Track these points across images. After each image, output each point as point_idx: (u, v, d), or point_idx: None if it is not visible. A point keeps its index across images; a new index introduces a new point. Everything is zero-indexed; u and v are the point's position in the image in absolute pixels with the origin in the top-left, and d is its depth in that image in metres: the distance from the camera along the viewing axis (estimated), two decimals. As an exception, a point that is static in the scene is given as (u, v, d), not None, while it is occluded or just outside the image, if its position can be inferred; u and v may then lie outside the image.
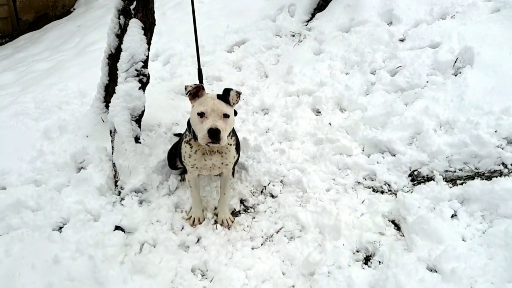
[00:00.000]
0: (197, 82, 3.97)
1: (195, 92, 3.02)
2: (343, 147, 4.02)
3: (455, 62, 4.51)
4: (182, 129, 4.83)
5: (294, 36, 6.52)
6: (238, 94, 2.99)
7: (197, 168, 3.30)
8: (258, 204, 3.80)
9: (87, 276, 3.05)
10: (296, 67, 5.40)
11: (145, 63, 4.16)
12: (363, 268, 2.98)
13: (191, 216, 3.61)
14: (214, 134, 2.76)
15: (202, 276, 3.17)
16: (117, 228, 3.54)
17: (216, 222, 3.64)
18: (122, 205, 3.85)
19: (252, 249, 3.32)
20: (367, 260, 3.08)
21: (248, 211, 3.76)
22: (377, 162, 3.85)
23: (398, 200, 3.37)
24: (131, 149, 3.98)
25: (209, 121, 2.80)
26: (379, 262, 3.00)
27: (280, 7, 7.15)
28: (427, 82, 4.48)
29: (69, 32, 10.21)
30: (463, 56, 4.55)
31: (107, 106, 4.65)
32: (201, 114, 2.86)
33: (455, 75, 4.44)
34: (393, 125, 4.02)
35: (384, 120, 4.17)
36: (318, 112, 4.81)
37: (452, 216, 3.11)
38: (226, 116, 2.87)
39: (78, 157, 4.42)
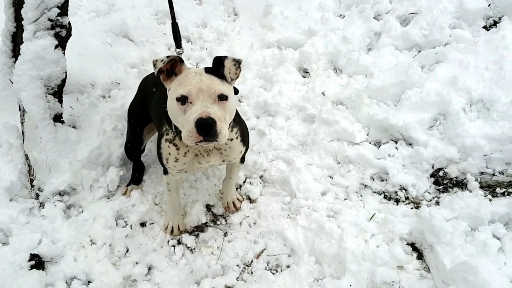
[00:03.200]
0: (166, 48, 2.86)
1: (170, 68, 2.07)
2: (343, 131, 3.12)
3: (488, 10, 3.55)
4: (124, 92, 3.73)
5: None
6: (237, 63, 2.06)
7: (186, 172, 2.47)
8: (230, 212, 2.92)
9: None
10: (276, 6, 4.25)
11: (63, 8, 2.94)
12: (380, 327, 2.25)
13: (168, 224, 2.81)
14: (205, 128, 1.86)
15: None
16: (33, 257, 2.60)
17: (175, 245, 2.76)
18: (42, 216, 2.87)
19: (225, 289, 2.50)
20: (382, 308, 2.34)
21: (218, 223, 2.89)
22: (389, 155, 3.00)
23: (422, 218, 2.59)
24: (48, 137, 2.92)
25: (196, 108, 1.90)
26: (400, 315, 2.27)
27: None
28: (450, 36, 3.52)
29: None
30: (496, 3, 3.59)
31: (16, 63, 3.42)
32: (183, 99, 1.95)
33: (487, 29, 3.51)
34: (410, 101, 3.12)
35: (397, 92, 3.25)
36: (305, 72, 3.80)
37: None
38: (222, 98, 1.97)
39: (-21, 138, 3.28)
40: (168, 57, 2.01)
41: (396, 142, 3.07)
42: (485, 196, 2.68)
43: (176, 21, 2.74)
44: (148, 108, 2.79)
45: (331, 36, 3.83)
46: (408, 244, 2.59)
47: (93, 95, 3.75)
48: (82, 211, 2.96)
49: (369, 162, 2.98)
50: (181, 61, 2.05)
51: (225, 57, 2.03)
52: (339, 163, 3.07)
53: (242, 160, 2.69)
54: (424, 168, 2.90)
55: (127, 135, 3.03)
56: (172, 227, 2.79)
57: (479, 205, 2.55)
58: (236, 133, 2.35)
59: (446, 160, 2.88)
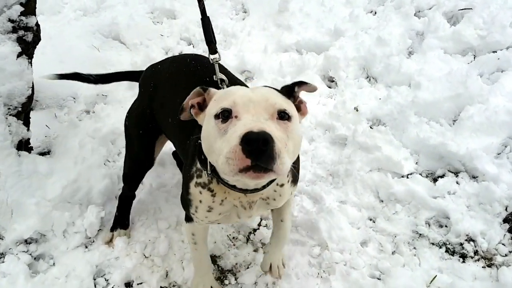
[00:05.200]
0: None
1: (202, 102, 1.51)
2: (385, 159, 2.48)
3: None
4: (112, 107, 3.12)
5: None
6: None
7: (219, 224, 1.94)
8: (242, 267, 2.28)
9: None
10: (293, 1, 3.63)
11: (29, 5, 2.32)
12: None
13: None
14: (257, 145, 1.18)
15: None
16: (-17, 335, 1.97)
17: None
18: (2, 272, 2.25)
19: None
20: None
21: (226, 282, 2.25)
22: (449, 193, 2.35)
23: (500, 284, 1.93)
24: (10, 171, 2.34)
25: (244, 122, 1.26)
26: None
27: None
28: (514, 37, 2.87)
29: None
30: None
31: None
32: (225, 115, 1.32)
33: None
34: (473, 121, 2.47)
35: (453, 109, 2.62)
36: (331, 81, 3.16)
37: None
38: (284, 116, 1.32)
39: None
40: (196, 90, 1.50)
41: (456, 174, 2.42)
42: None
43: (208, 15, 1.95)
44: (161, 112, 2.06)
45: (362, 37, 3.21)
46: (482, 316, 1.94)
47: (74, 110, 3.16)
48: (54, 264, 2.33)
49: (423, 201, 2.33)
50: (204, 90, 1.49)
51: (303, 82, 1.50)
52: (382, 201, 2.43)
53: (295, 180, 1.85)
54: (495, 211, 2.25)
55: (128, 156, 2.31)
56: None
57: None
58: (287, 175, 1.66)
59: (525, 200, 2.22)
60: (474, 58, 2.92)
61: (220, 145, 1.28)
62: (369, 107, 2.82)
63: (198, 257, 2.05)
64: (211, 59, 1.83)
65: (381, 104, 2.80)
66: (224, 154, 1.23)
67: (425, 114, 2.63)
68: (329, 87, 3.13)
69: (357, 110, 2.82)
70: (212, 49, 1.86)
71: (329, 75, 3.16)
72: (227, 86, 1.69)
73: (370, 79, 3.09)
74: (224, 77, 1.76)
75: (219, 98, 1.40)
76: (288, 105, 1.37)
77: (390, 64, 2.96)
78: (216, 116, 1.32)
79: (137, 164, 2.28)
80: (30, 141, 2.54)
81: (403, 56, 3.03)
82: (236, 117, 1.29)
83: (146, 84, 2.17)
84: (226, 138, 1.26)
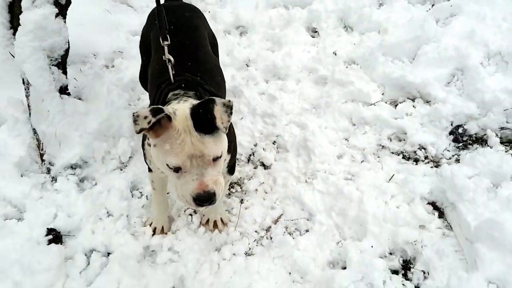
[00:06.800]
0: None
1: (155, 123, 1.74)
2: (357, 92, 3.08)
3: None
4: (128, 62, 3.68)
5: None
6: (229, 108, 1.73)
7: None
8: (245, 179, 2.93)
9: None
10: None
11: (62, -27, 2.85)
12: (404, 286, 2.28)
13: (151, 224, 2.70)
14: (205, 200, 1.78)
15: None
16: (50, 232, 2.62)
17: (192, 214, 2.77)
18: (56, 190, 2.88)
19: (246, 255, 2.53)
20: (405, 267, 2.37)
21: (233, 190, 2.90)
22: (407, 114, 2.98)
23: (443, 177, 2.60)
24: (56, 110, 2.91)
25: (192, 178, 1.76)
26: (424, 274, 2.30)
27: None
28: (466, -12, 3.43)
29: None
30: None
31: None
32: (176, 169, 1.77)
33: (505, -22, 3.40)
34: (427, 57, 3.08)
35: (413, 48, 3.20)
36: (314, 32, 3.73)
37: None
38: (216, 158, 1.78)
39: (-18, 113, 3.26)
40: (152, 109, 1.68)
41: (413, 100, 3.05)
42: (506, 152, 2.67)
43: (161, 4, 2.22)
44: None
45: (340, -9, 3.74)
46: (429, 203, 2.60)
47: (96, 65, 3.71)
48: (96, 184, 2.96)
49: (386, 122, 2.95)
50: (168, 117, 1.70)
51: (213, 102, 1.70)
52: (355, 125, 3.05)
53: (231, 171, 2.44)
54: (443, 126, 2.88)
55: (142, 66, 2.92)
56: (156, 229, 2.68)
57: (501, 161, 2.55)
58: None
59: (465, 116, 2.86)
60: (432, 6, 3.49)
61: (175, 184, 1.81)
62: (345, 51, 3.40)
63: (156, 200, 2.60)
64: (162, 43, 2.10)
65: (355, 48, 3.39)
66: (181, 196, 1.78)
67: (390, 54, 3.22)
68: (313, 37, 3.70)
69: (335, 54, 3.40)
70: (164, 34, 2.12)
71: (312, 27, 3.73)
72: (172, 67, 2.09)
73: (347, 28, 3.66)
74: (171, 58, 2.09)
75: (170, 146, 1.70)
76: (218, 147, 1.75)
77: (363, 15, 3.53)
78: (169, 167, 1.74)
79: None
80: (68, 87, 3.12)
81: (374, 7, 3.60)
82: (185, 171, 1.74)
83: (149, 19, 2.79)
84: (180, 184, 1.77)
